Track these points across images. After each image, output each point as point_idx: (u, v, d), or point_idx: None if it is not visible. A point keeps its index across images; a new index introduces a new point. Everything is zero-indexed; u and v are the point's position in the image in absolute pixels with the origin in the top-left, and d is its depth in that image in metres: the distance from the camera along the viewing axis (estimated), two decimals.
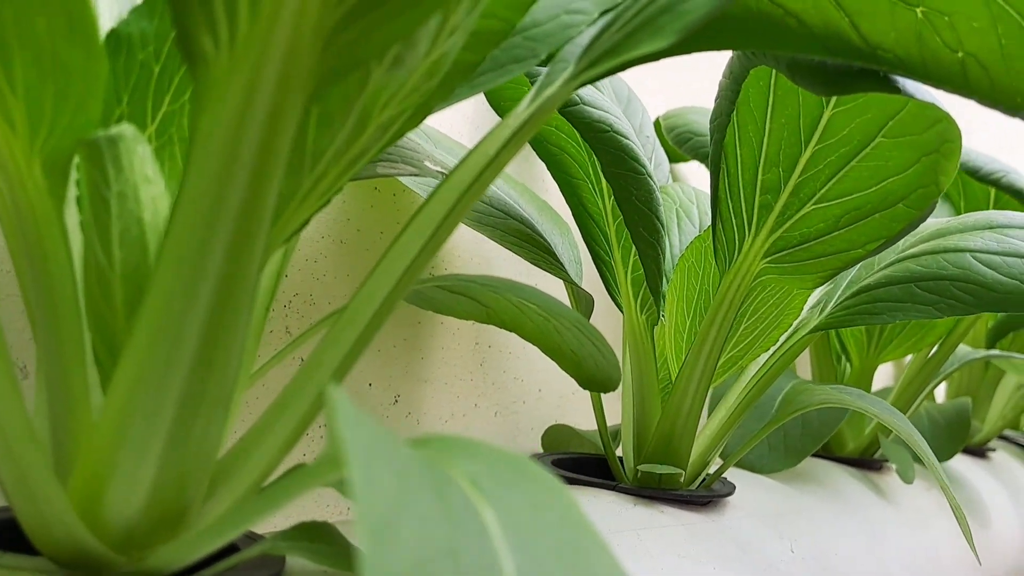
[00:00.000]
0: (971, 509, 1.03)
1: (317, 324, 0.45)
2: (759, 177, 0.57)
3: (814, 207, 0.56)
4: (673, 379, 0.65)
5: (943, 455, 1.04)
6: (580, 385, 0.51)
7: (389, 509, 0.18)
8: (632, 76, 0.78)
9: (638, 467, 0.63)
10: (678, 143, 0.86)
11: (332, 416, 0.22)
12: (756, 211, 0.58)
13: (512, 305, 0.49)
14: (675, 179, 1.02)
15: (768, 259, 0.59)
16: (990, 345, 1.17)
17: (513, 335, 0.78)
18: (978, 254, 0.58)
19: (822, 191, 0.55)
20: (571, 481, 0.64)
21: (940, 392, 1.29)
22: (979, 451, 1.21)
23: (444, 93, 0.37)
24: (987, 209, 1.12)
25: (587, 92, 0.56)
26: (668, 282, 0.67)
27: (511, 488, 0.23)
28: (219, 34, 0.26)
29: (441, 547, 0.18)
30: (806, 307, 0.69)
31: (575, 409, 0.83)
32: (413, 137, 0.54)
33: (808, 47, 0.43)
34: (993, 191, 1.10)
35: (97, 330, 0.33)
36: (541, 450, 0.78)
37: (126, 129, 0.32)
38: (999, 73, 0.41)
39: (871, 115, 0.51)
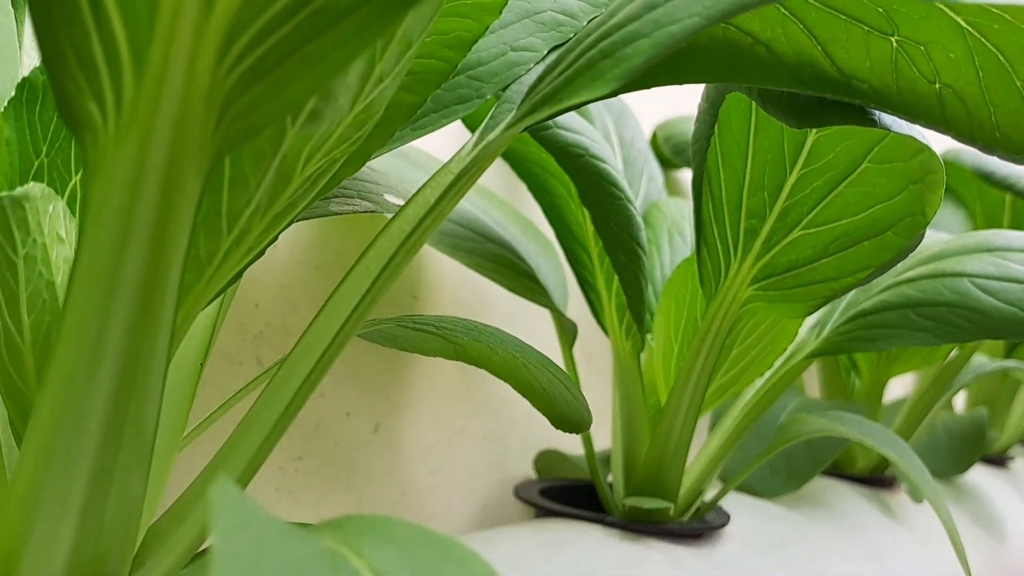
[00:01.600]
0: (986, 522, 1.00)
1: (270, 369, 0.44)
2: (744, 201, 0.54)
3: (802, 233, 0.54)
4: (663, 406, 0.63)
5: (959, 467, 1.01)
6: (553, 424, 0.49)
7: None
8: None
9: (624, 501, 0.61)
10: (674, 153, 0.83)
11: (211, 520, 0.21)
12: (742, 236, 0.55)
13: (479, 342, 0.47)
14: (675, 186, 1.00)
15: (755, 286, 0.56)
16: (1008, 354, 1.14)
17: None
18: (976, 279, 0.55)
19: (809, 216, 0.53)
20: (556, 513, 0.63)
21: (959, 401, 1.26)
22: (998, 460, 1.18)
23: (381, 138, 0.35)
24: (1003, 215, 1.09)
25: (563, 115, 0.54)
26: (656, 305, 0.64)
27: None
28: (104, 99, 0.25)
29: None
30: (802, 330, 0.67)
31: (568, 436, 0.81)
32: (376, 167, 0.52)
33: (779, 78, 0.40)
34: (1009, 196, 1.07)
35: (9, 397, 0.31)
36: (535, 475, 0.76)
37: (34, 188, 0.30)
38: (977, 106, 0.38)
39: (856, 140, 0.49)
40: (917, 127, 0.43)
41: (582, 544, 0.56)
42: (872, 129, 0.47)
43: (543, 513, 0.64)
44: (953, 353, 0.87)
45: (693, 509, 0.65)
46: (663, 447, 0.61)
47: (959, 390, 0.95)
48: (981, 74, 0.38)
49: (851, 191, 0.51)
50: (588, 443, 0.65)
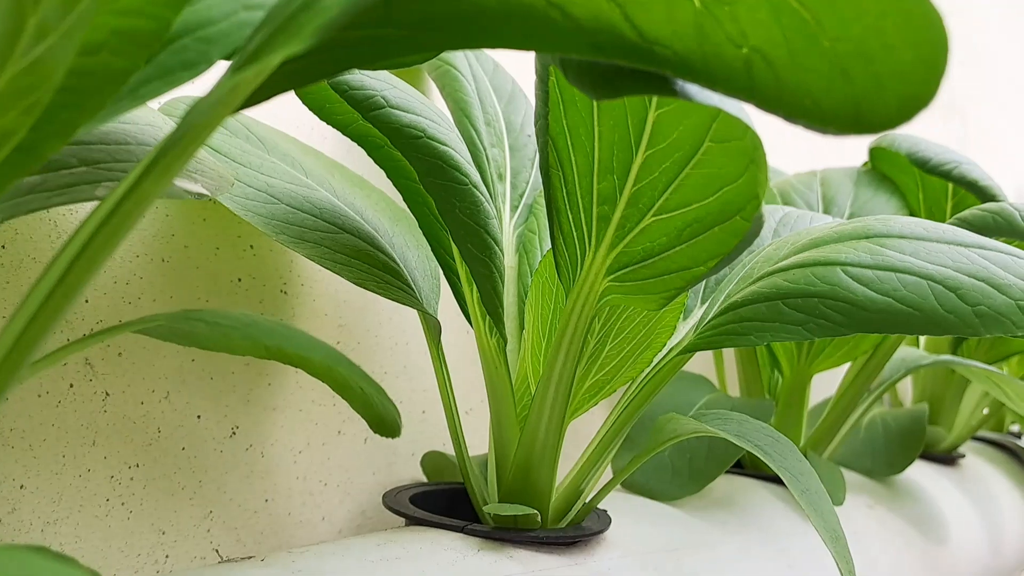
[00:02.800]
0: (925, 525, 0.96)
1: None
2: (595, 186, 0.50)
3: (654, 219, 0.50)
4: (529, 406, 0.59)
5: (896, 466, 0.97)
6: (371, 428, 0.45)
7: None
8: None
9: (484, 508, 0.57)
10: None
11: None
12: (595, 223, 0.51)
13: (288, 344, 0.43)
14: None
15: (611, 277, 0.52)
16: (955, 346, 1.10)
17: (395, 352, 0.73)
18: (849, 268, 0.51)
19: (660, 201, 0.49)
20: (418, 521, 0.59)
21: (908, 399, 1.22)
22: (947, 459, 1.13)
23: (92, 107, 0.31)
24: (946, 204, 1.04)
25: (394, 93, 0.50)
26: (527, 297, 0.61)
27: None
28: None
29: None
30: (685, 324, 0.63)
31: (469, 432, 0.77)
32: (214, 145, 0.48)
33: (577, 44, 0.37)
34: (951, 184, 1.02)
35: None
36: (425, 478, 0.72)
37: None
38: (785, 70, 0.34)
39: (696, 117, 0.45)
40: (737, 102, 0.39)
41: (431, 557, 0.53)
42: (707, 105, 0.43)
43: (414, 521, 0.60)
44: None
45: (572, 515, 0.61)
46: (529, 450, 0.58)
47: (891, 386, 0.91)
48: (787, 35, 0.34)
49: (698, 173, 0.47)
50: (458, 444, 0.61)
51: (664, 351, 0.61)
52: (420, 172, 0.51)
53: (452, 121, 0.54)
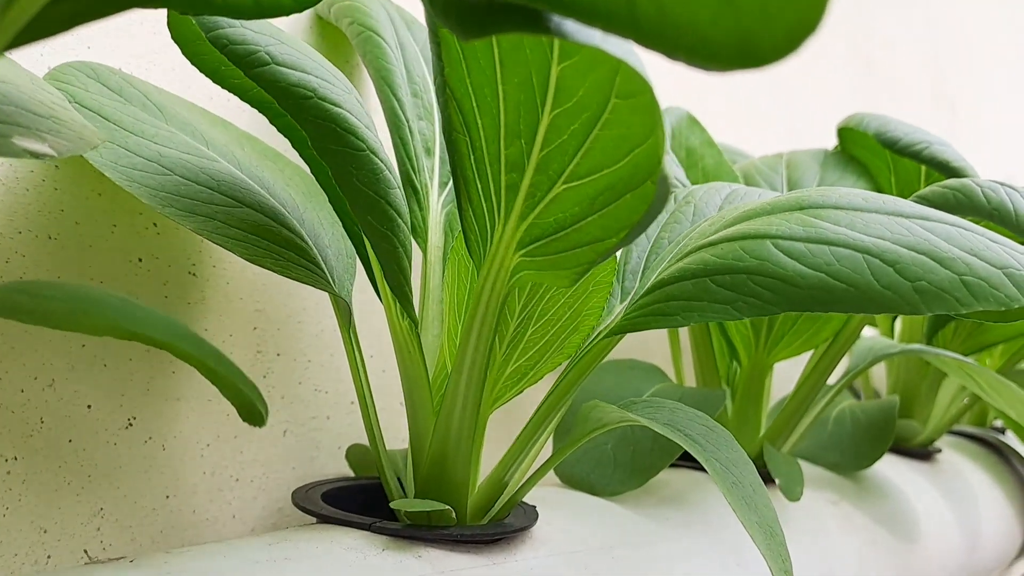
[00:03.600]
0: (894, 522, 0.92)
1: None
2: (502, 151, 0.46)
3: (565, 187, 0.45)
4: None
5: (864, 460, 0.93)
6: (241, 416, 0.41)
7: None
8: None
9: (391, 504, 0.53)
10: None
11: None
12: (504, 193, 0.47)
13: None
14: None
15: (523, 252, 0.48)
16: (930, 336, 1.05)
17: (321, 339, 0.68)
18: (780, 241, 0.47)
19: (571, 167, 0.45)
20: (326, 519, 0.54)
21: (885, 391, 1.17)
22: (923, 453, 1.09)
23: None
24: (919, 188, 1.00)
25: (281, 49, 0.46)
26: (443, 276, 0.56)
27: None
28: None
29: None
30: (618, 305, 0.59)
31: (404, 424, 0.73)
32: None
33: None
34: (924, 167, 0.98)
35: None
36: (351, 472, 0.68)
37: None
38: (671, 2, 0.30)
39: (601, 71, 0.40)
40: (633, 51, 0.35)
41: (325, 558, 0.48)
42: (609, 56, 0.39)
43: (324, 519, 0.56)
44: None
45: (494, 510, 0.57)
46: (444, 440, 0.53)
47: (856, 376, 0.87)
48: None
49: (607, 135, 0.42)
50: (373, 435, 0.57)
51: (593, 335, 0.57)
52: (312, 137, 0.46)
53: (350, 84, 0.50)
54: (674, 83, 1.13)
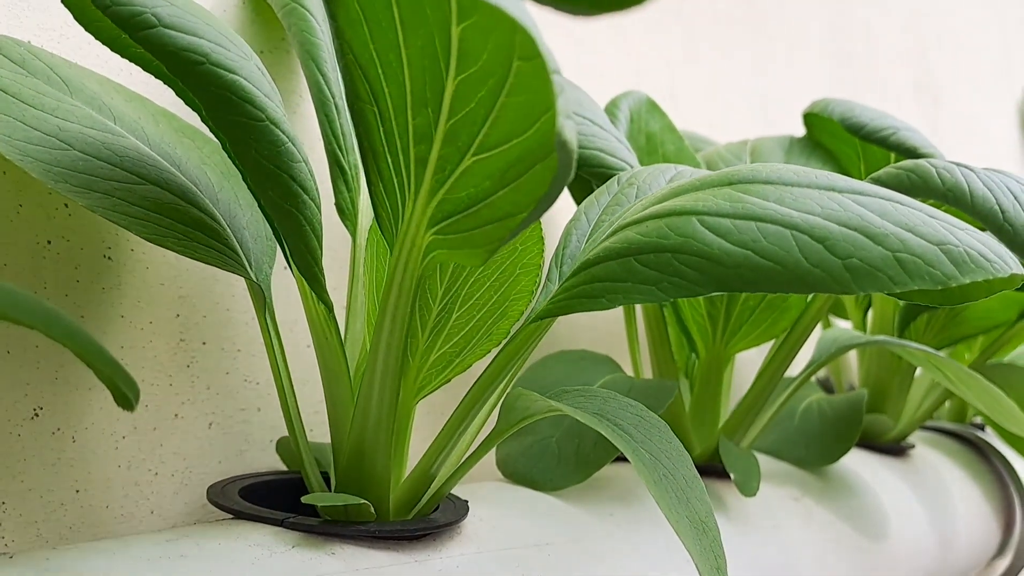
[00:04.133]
0: (862, 519, 0.89)
1: None
2: (410, 121, 0.43)
3: (475, 159, 0.43)
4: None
5: (830, 455, 0.90)
6: (116, 401, 0.38)
7: None
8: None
9: (302, 498, 0.50)
10: None
11: None
12: (413, 166, 0.44)
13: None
14: None
15: (435, 229, 0.45)
16: (902, 327, 1.02)
17: (251, 327, 0.65)
18: (705, 218, 0.44)
19: (480, 138, 0.42)
20: (240, 515, 0.52)
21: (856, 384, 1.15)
22: (895, 449, 1.06)
23: None
24: None
25: (169, 11, 0.43)
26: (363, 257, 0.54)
27: None
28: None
29: None
30: (550, 287, 0.56)
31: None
32: None
33: None
34: (893, 154, 0.95)
35: None
36: (284, 466, 0.65)
37: None
38: None
39: (501, 32, 0.38)
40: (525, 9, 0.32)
41: (226, 555, 0.45)
42: (508, 15, 0.36)
43: (238, 515, 0.53)
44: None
45: (420, 505, 0.54)
46: (362, 431, 0.51)
47: (818, 367, 0.84)
48: None
49: (514, 101, 0.40)
50: (292, 427, 0.54)
51: (522, 320, 0.54)
52: (206, 106, 0.44)
53: (250, 50, 0.47)
54: (641, 67, 1.11)
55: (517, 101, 0.40)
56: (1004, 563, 1.20)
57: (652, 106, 0.88)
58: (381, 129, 0.45)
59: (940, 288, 0.42)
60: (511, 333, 0.54)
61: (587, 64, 1.04)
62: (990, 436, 1.26)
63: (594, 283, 0.47)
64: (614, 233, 0.48)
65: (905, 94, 1.80)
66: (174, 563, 0.43)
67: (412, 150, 0.44)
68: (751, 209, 0.44)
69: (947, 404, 1.27)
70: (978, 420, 1.34)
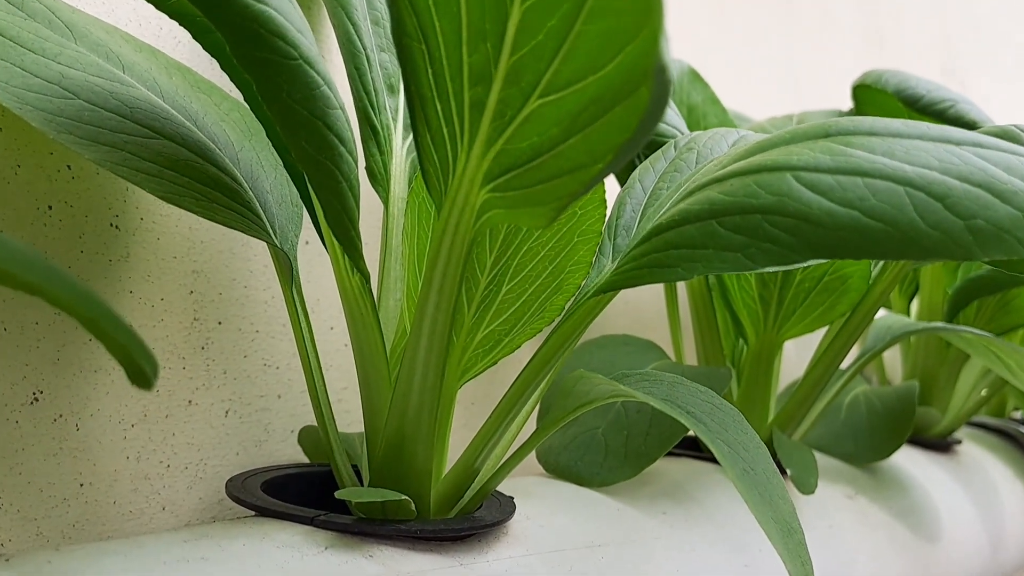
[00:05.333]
0: (914, 520, 0.83)
1: None
2: (464, 60, 0.38)
3: (542, 102, 0.37)
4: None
5: (881, 451, 0.84)
6: (129, 379, 0.32)
7: None
8: None
9: (335, 494, 0.44)
10: None
11: None
12: (468, 112, 0.39)
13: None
14: None
15: (491, 186, 0.40)
16: (951, 315, 0.97)
17: (271, 307, 0.60)
18: (802, 173, 0.39)
19: (549, 75, 0.36)
20: (264, 511, 0.46)
21: (899, 376, 1.09)
22: (942, 444, 1.01)
23: None
24: None
25: None
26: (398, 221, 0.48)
27: None
28: None
29: None
30: (606, 260, 0.50)
31: None
32: None
33: None
34: None
35: None
36: (306, 458, 0.59)
37: None
38: None
39: None
40: None
41: (252, 558, 0.40)
42: None
43: (262, 512, 0.47)
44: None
45: (463, 502, 0.49)
46: (401, 419, 0.45)
47: (873, 357, 0.79)
48: None
49: (592, 29, 0.34)
50: (321, 414, 0.49)
51: (578, 295, 0.48)
52: (231, 42, 0.38)
53: None
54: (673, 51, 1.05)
55: (596, 29, 0.34)
56: None
57: (695, 76, 0.82)
58: (430, 70, 0.39)
59: None
60: (566, 309, 0.48)
61: None
62: None
63: (668, 251, 0.41)
64: (690, 194, 0.42)
65: (931, 78, 1.74)
66: (194, 567, 0.38)
67: (467, 93, 0.38)
68: (856, 163, 0.38)
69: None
70: (1018, 414, 1.28)
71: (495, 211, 0.40)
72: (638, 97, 0.34)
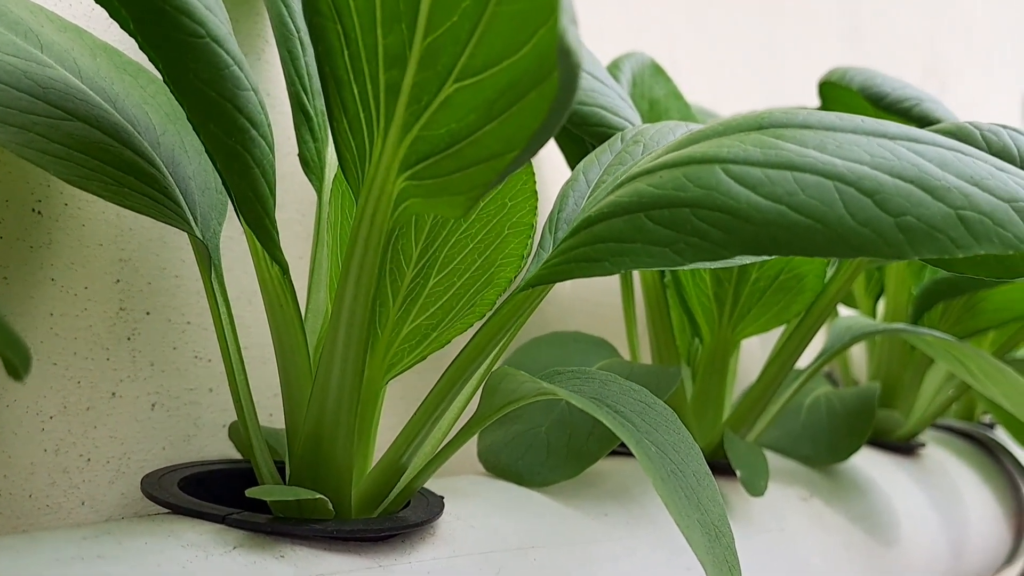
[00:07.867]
0: (873, 522, 0.82)
1: None
2: (379, 40, 0.36)
3: (458, 86, 0.35)
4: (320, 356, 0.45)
5: (839, 453, 0.83)
6: (7, 371, 0.30)
7: None
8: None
9: (246, 492, 0.42)
10: None
11: None
12: (383, 96, 0.37)
13: None
14: None
15: (408, 174, 0.38)
16: (916, 317, 0.96)
17: (203, 297, 0.58)
18: (731, 166, 0.37)
19: (464, 58, 0.35)
20: (177, 509, 0.44)
21: (863, 378, 1.08)
22: (905, 447, 0.99)
23: None
24: None
25: None
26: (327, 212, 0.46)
27: None
28: None
29: None
30: (547, 253, 0.48)
31: None
32: None
33: None
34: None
35: None
36: (238, 454, 0.58)
37: None
38: None
39: None
40: None
41: (152, 557, 0.38)
42: None
43: (176, 510, 0.45)
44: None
45: (387, 501, 0.47)
46: (320, 414, 0.43)
47: (831, 357, 0.77)
48: None
49: (507, 11, 0.33)
50: (241, 409, 0.47)
51: (512, 287, 0.47)
52: (134, 19, 0.36)
53: None
54: (641, 27, 1.04)
55: (510, 10, 0.32)
56: (1014, 572, 1.13)
57: (657, 70, 0.81)
58: (346, 52, 0.37)
59: (1010, 252, 0.35)
60: (497, 304, 0.47)
61: (581, 21, 0.96)
62: (1000, 435, 1.20)
63: (596, 244, 0.40)
64: (620, 186, 0.41)
65: (912, 78, 1.73)
66: (88, 565, 0.36)
67: (382, 76, 0.36)
68: (786, 156, 0.37)
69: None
70: (987, 419, 1.27)
71: (412, 200, 0.38)
72: (551, 83, 0.32)
